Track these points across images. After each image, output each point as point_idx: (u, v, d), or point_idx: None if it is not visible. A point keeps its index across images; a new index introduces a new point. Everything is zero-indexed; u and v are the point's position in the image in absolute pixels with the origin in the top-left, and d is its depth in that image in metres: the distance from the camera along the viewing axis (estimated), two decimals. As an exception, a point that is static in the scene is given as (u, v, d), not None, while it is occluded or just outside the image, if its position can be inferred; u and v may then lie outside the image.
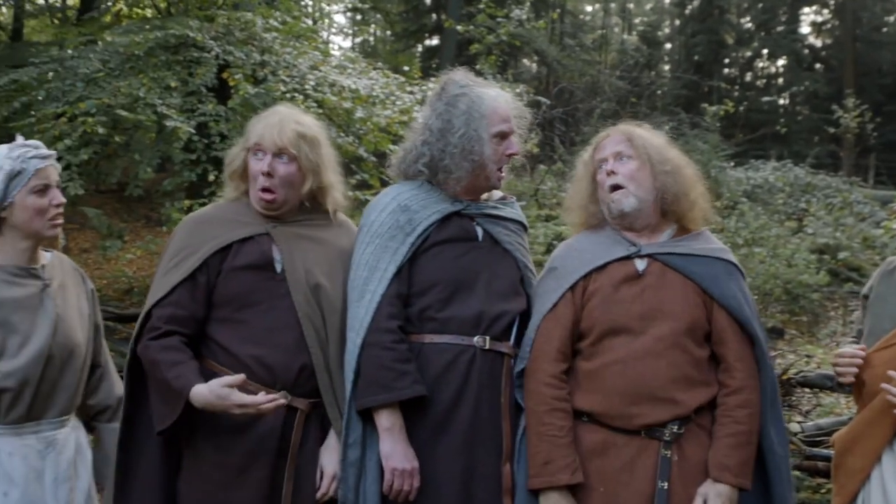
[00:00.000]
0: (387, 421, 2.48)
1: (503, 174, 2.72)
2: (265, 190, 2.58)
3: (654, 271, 2.57)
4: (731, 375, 2.51)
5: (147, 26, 8.57)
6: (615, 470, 2.46)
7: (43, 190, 2.49)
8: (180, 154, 7.18)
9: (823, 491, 4.49)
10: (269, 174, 2.56)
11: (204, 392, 2.34)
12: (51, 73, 7.97)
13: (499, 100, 2.69)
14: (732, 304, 2.53)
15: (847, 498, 2.55)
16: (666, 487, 2.41)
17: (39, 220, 2.48)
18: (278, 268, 2.57)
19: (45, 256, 2.60)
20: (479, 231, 2.69)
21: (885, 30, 29.87)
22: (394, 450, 2.47)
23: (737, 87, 29.97)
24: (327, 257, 2.67)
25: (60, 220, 2.54)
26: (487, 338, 2.57)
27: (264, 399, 2.34)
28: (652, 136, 2.68)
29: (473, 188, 2.71)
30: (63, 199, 2.56)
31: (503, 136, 2.66)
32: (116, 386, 2.77)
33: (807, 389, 6.02)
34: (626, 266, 2.59)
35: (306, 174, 2.62)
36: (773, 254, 9.09)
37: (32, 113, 7.53)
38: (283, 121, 2.60)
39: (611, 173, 2.60)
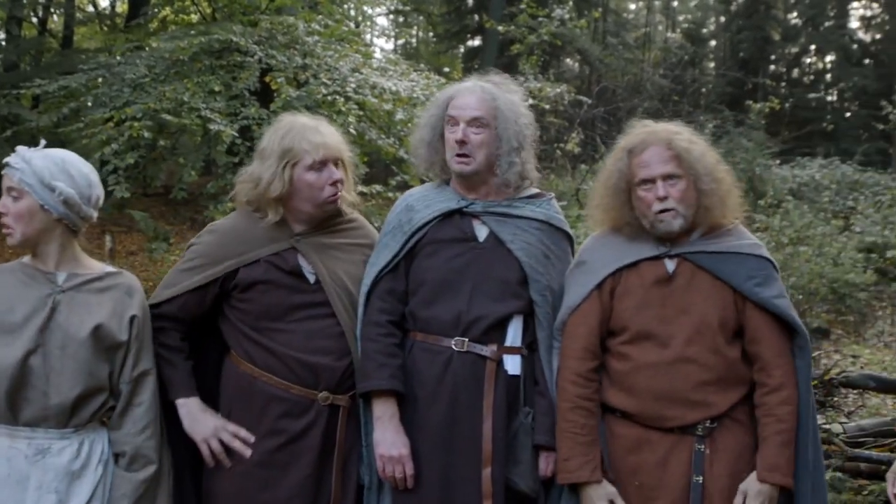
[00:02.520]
0: (378, 409, 2.57)
1: (462, 161, 2.64)
2: (334, 196, 2.68)
3: (684, 273, 2.53)
4: (768, 374, 2.49)
5: (192, 32, 8.72)
6: (650, 465, 2.48)
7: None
8: (224, 157, 7.31)
9: (865, 493, 4.43)
10: (342, 181, 2.69)
11: (200, 408, 2.63)
12: (99, 79, 8.16)
13: (464, 88, 2.70)
14: (767, 300, 2.49)
15: None
16: (701, 481, 2.43)
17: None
18: (311, 278, 2.67)
19: (94, 267, 2.53)
20: (484, 230, 2.68)
21: (937, 23, 29.20)
22: (382, 437, 2.55)
23: (783, 83, 29.51)
24: (352, 261, 2.76)
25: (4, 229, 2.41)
26: (466, 340, 2.57)
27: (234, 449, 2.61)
28: (694, 146, 2.55)
29: (466, 181, 2.70)
30: (5, 209, 2.40)
31: (453, 122, 2.65)
32: (140, 436, 2.46)
33: (850, 390, 5.93)
34: (656, 267, 2.56)
35: (348, 174, 2.77)
36: (818, 252, 8.95)
37: (81, 118, 7.72)
38: (326, 129, 2.72)
39: (663, 199, 2.50)
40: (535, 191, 2.81)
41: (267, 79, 7.77)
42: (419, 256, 2.66)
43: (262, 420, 2.61)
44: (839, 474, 4.48)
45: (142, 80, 7.77)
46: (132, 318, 2.48)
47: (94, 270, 2.51)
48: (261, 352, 2.63)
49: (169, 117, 7.27)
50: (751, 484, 2.44)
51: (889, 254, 10.24)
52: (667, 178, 2.50)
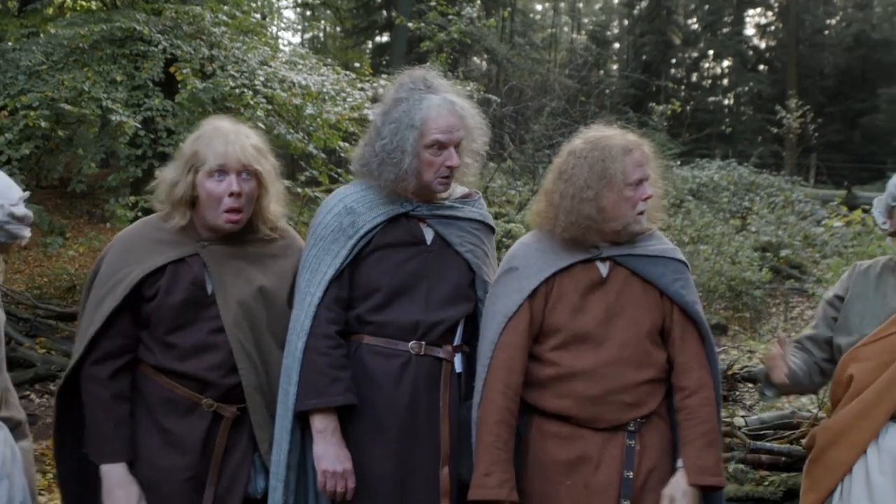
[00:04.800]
0: (320, 424, 2.50)
1: (446, 182, 2.61)
2: (233, 211, 2.52)
3: (617, 277, 2.56)
4: (688, 376, 2.54)
5: (92, 19, 8.41)
6: (582, 463, 2.49)
7: None
8: (126, 149, 7.08)
9: (766, 483, 4.59)
10: (239, 194, 2.51)
11: (119, 481, 2.48)
12: (-11, 66, 7.78)
13: (440, 109, 2.55)
14: (688, 302, 2.56)
15: (823, 493, 2.56)
16: (631, 476, 2.46)
17: None
18: (209, 289, 2.56)
19: None
20: (430, 233, 2.65)
21: (826, 32, 30.60)
22: (326, 452, 2.49)
23: (683, 86, 30.44)
24: (264, 272, 2.65)
25: None
26: (423, 343, 2.56)
27: None
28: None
29: (419, 190, 2.63)
30: None
31: (441, 146, 2.54)
32: (13, 397, 2.52)
33: (750, 384, 6.14)
34: (590, 271, 2.56)
35: (266, 187, 2.60)
36: (717, 251, 9.25)
37: (-29, 106, 7.36)
38: (238, 137, 2.55)
39: (648, 199, 2.53)
40: (465, 190, 2.80)
41: (172, 69, 7.55)
42: (367, 262, 2.59)
43: (150, 415, 2.54)
44: (741, 466, 4.63)
45: (38, 67, 7.43)
46: None
47: None
48: (151, 357, 2.55)
49: (67, 107, 6.99)
50: (677, 487, 2.46)
51: (783, 253, 10.66)
52: (648, 180, 2.55)
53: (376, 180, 2.59)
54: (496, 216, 10.33)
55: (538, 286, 2.55)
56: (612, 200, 2.50)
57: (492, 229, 2.82)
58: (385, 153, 2.54)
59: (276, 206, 2.68)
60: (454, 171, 2.59)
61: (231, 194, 2.50)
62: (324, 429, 2.50)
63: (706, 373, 2.55)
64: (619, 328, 2.51)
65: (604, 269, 2.57)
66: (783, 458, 4.68)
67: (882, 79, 27.65)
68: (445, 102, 2.57)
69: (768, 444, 4.76)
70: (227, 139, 2.52)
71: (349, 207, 2.62)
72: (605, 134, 2.60)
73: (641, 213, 2.54)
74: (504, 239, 9.15)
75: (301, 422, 2.55)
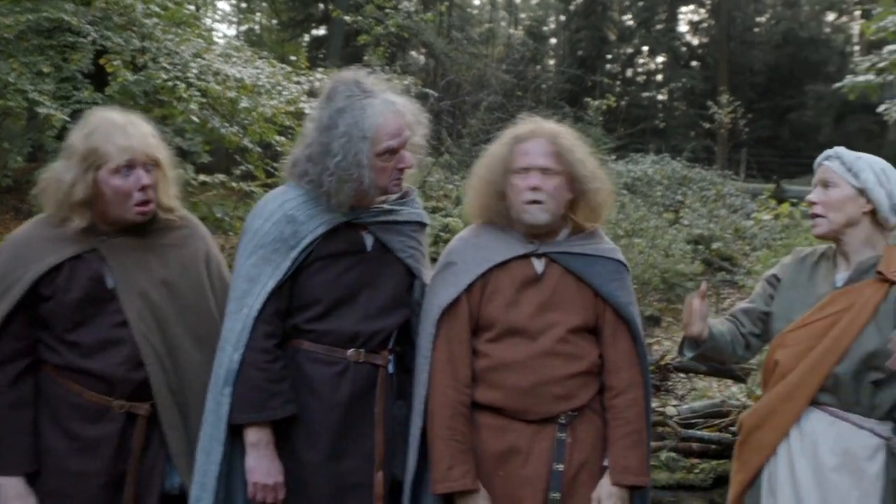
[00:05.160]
0: (253, 436, 2.49)
1: (400, 183, 2.61)
2: (143, 203, 2.49)
3: (552, 273, 2.59)
4: (617, 376, 2.59)
5: (18, 8, 8.18)
6: (513, 454, 2.53)
7: None
8: (54, 142, 6.88)
9: (697, 471, 4.70)
10: (150, 186, 2.49)
11: (15, 494, 2.41)
12: None
13: (385, 113, 2.49)
14: (621, 303, 2.60)
15: (751, 473, 2.66)
16: (562, 469, 2.50)
17: None
18: (109, 283, 2.50)
19: None
20: (370, 240, 2.62)
21: (756, 30, 31.33)
22: (258, 464, 2.48)
23: (618, 82, 30.83)
24: (166, 264, 2.60)
25: None
26: (363, 351, 2.57)
27: None
28: (575, 147, 2.62)
29: (366, 198, 2.60)
30: None
31: (392, 151, 2.51)
32: None
33: (682, 374, 6.27)
34: (525, 266, 2.60)
35: (165, 174, 2.58)
36: (651, 244, 9.41)
37: None
38: (137, 128, 2.50)
39: (535, 189, 2.54)
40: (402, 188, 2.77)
41: (102, 61, 7.39)
42: (307, 272, 2.55)
43: (57, 421, 2.47)
44: (673, 454, 4.74)
45: (-40, 58, 7.23)
46: None
47: None
48: (55, 357, 2.47)
49: (-9, 99, 6.81)
50: (603, 489, 2.52)
51: (714, 245, 10.90)
52: (544, 171, 2.55)
53: (334, 197, 2.52)
54: (434, 210, 10.35)
55: (474, 281, 2.58)
56: (509, 186, 2.60)
57: (426, 226, 2.82)
58: (341, 170, 2.47)
59: (173, 191, 2.64)
60: (406, 171, 2.59)
61: (142, 188, 2.47)
62: (257, 441, 2.49)
63: (636, 372, 2.61)
64: (551, 323, 2.54)
65: (539, 265, 2.61)
66: (713, 446, 4.81)
67: (809, 76, 28.44)
68: (387, 105, 2.52)
69: (699, 433, 4.87)
70: (127, 132, 2.46)
71: (290, 216, 2.55)
72: (521, 123, 2.69)
73: (533, 202, 2.54)
74: (441, 233, 9.18)
75: (230, 430, 2.51)
